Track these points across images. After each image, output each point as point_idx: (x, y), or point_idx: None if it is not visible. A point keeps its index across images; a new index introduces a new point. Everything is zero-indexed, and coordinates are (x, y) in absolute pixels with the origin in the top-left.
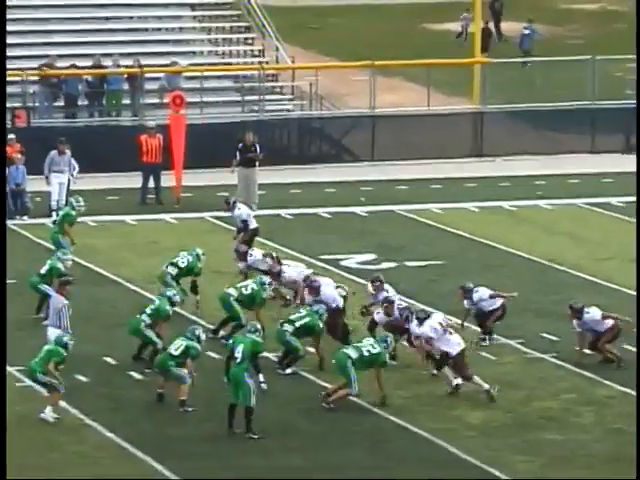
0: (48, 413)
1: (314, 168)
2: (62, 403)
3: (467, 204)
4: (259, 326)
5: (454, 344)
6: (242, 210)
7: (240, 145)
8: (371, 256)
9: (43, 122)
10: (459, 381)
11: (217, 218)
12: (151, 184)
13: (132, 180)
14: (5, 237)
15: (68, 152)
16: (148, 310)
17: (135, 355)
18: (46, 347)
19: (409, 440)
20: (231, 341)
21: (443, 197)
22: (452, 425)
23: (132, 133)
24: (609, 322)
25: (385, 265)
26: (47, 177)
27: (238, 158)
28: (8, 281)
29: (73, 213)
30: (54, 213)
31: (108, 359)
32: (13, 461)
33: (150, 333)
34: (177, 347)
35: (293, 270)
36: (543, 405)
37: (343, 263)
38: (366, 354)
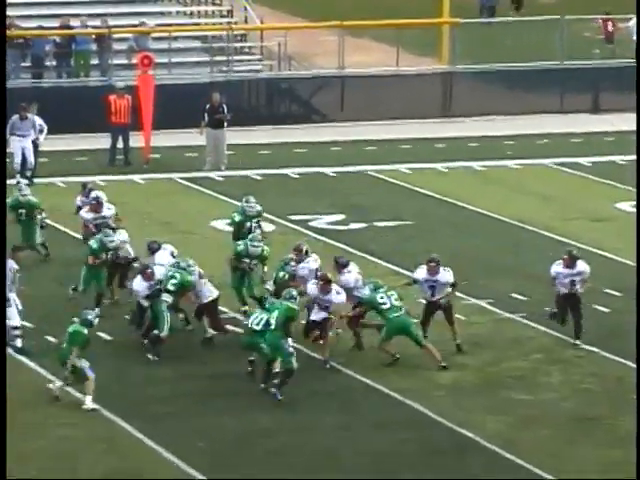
0: (89, 403)
1: (283, 128)
2: (32, 364)
3: (436, 164)
4: (295, 292)
5: None
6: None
7: (207, 106)
8: (340, 216)
9: (11, 83)
10: None
11: (186, 179)
12: (120, 145)
13: (101, 141)
14: (5, 236)
15: (31, 116)
16: (171, 287)
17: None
18: (70, 329)
19: (379, 400)
20: (267, 306)
21: (412, 157)
22: (422, 385)
23: (100, 93)
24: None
25: (354, 226)
26: (7, 140)
27: (206, 119)
28: None
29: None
30: (18, 175)
31: None
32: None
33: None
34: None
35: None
36: (512, 365)
37: (312, 224)
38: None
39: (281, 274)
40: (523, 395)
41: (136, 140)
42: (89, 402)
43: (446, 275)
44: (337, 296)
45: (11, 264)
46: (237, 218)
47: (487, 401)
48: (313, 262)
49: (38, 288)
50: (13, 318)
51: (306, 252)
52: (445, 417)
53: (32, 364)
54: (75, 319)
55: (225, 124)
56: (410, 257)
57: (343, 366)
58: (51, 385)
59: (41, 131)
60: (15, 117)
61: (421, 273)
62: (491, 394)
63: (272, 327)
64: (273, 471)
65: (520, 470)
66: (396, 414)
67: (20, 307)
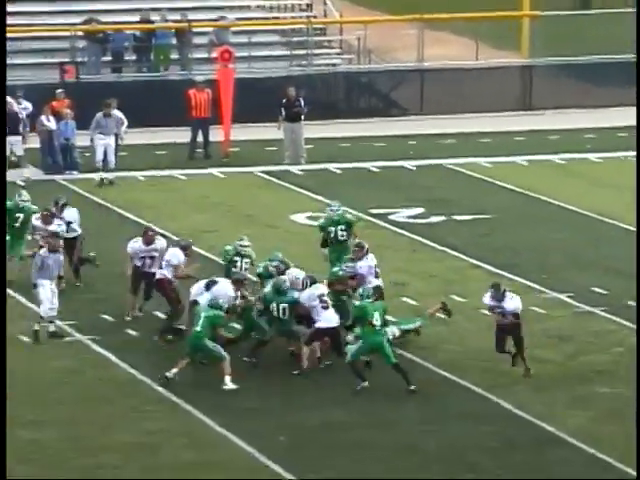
0: (229, 383)
1: (363, 122)
2: (113, 358)
3: (516, 157)
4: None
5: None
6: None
7: (284, 100)
8: (419, 210)
9: (92, 77)
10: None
11: (265, 173)
12: (200, 139)
13: (180, 135)
14: (5, 235)
15: (115, 112)
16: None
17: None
18: (204, 313)
19: (460, 394)
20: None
21: (492, 151)
22: (502, 379)
23: (181, 87)
24: None
25: (433, 219)
26: (92, 139)
27: (283, 114)
28: None
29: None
30: (101, 173)
31: (158, 313)
32: (64, 415)
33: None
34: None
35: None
36: (593, 359)
37: (392, 217)
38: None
39: (340, 272)
40: (604, 389)
41: (216, 134)
42: (228, 382)
43: (512, 303)
44: None
45: (57, 256)
46: (320, 222)
47: (568, 395)
48: (371, 259)
49: (116, 285)
50: (43, 307)
51: (367, 250)
52: (526, 411)
53: (114, 358)
54: (200, 304)
55: (302, 118)
56: (490, 251)
57: (423, 360)
58: (225, 386)
59: (121, 125)
60: (99, 115)
61: (486, 299)
62: (572, 388)
63: (378, 328)
64: (353, 465)
65: (601, 464)
66: (476, 408)
67: (54, 300)
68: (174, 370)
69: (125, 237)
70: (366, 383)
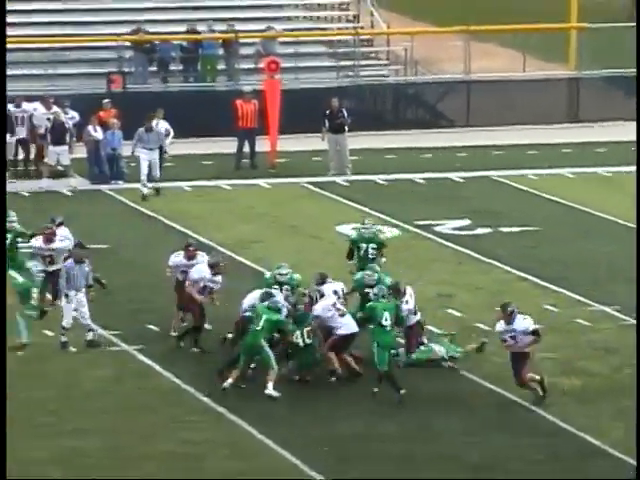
0: (271, 389)
1: (409, 133)
2: (157, 367)
3: (563, 170)
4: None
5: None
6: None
7: (327, 112)
8: (466, 222)
9: (138, 87)
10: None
11: (312, 184)
12: (246, 149)
13: (226, 145)
14: (5, 234)
15: (161, 124)
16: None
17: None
18: (265, 316)
19: (504, 406)
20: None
21: (538, 163)
22: (547, 391)
23: (227, 98)
24: None
25: (480, 231)
26: (133, 152)
27: (327, 125)
28: (101, 245)
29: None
30: (145, 186)
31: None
32: (107, 424)
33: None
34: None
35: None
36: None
37: (437, 229)
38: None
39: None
40: None
41: (262, 144)
42: (271, 388)
43: (523, 323)
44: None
45: (83, 266)
46: (352, 236)
47: (613, 407)
48: (409, 297)
49: (160, 295)
50: (65, 317)
51: (404, 291)
52: (570, 423)
53: (158, 368)
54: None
55: (346, 129)
56: (536, 263)
57: (468, 372)
58: (267, 391)
59: (167, 135)
60: (141, 130)
61: (498, 325)
62: (617, 400)
63: (388, 328)
64: (396, 477)
65: None
66: (521, 420)
67: (83, 310)
68: (229, 381)
69: (170, 247)
70: (403, 391)
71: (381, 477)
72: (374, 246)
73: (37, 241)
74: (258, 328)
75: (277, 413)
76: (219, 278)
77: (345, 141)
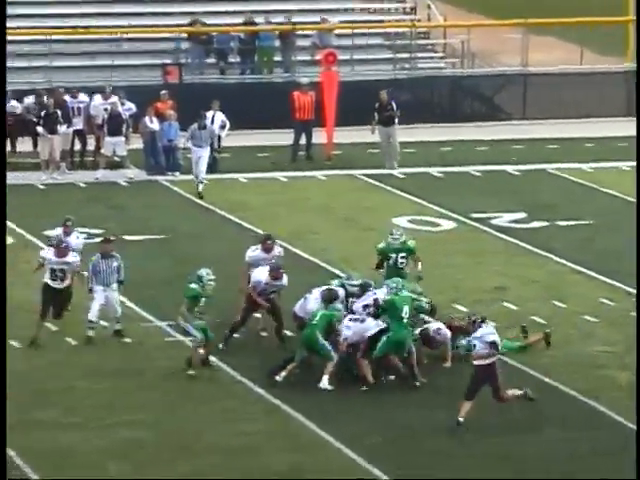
0: (326, 382)
1: (465, 126)
2: (212, 358)
3: (619, 163)
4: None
5: None
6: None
7: (377, 105)
8: (522, 215)
9: (195, 78)
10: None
11: (367, 176)
12: (302, 141)
13: (283, 137)
14: (5, 233)
15: (217, 115)
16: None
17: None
18: (321, 312)
19: (557, 399)
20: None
21: (595, 156)
22: (601, 384)
23: (284, 90)
24: None
25: (536, 224)
26: (185, 147)
27: (377, 117)
28: (157, 236)
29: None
30: (201, 183)
31: (259, 315)
32: (157, 414)
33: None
34: None
35: None
36: None
37: (494, 222)
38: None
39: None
40: None
41: (318, 136)
42: (326, 382)
43: (484, 331)
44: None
45: (110, 261)
46: (380, 246)
47: None
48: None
49: (217, 285)
50: (92, 311)
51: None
52: (625, 417)
53: (215, 359)
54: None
55: (396, 121)
56: (593, 256)
57: (523, 365)
58: (321, 384)
59: (223, 127)
60: (194, 126)
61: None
62: None
63: (405, 321)
64: (450, 472)
65: None
66: (577, 414)
67: (114, 304)
68: (283, 374)
69: (226, 238)
70: (392, 377)
71: (435, 472)
72: (403, 255)
73: (48, 253)
74: (314, 322)
75: (331, 405)
76: (281, 282)
77: (395, 133)
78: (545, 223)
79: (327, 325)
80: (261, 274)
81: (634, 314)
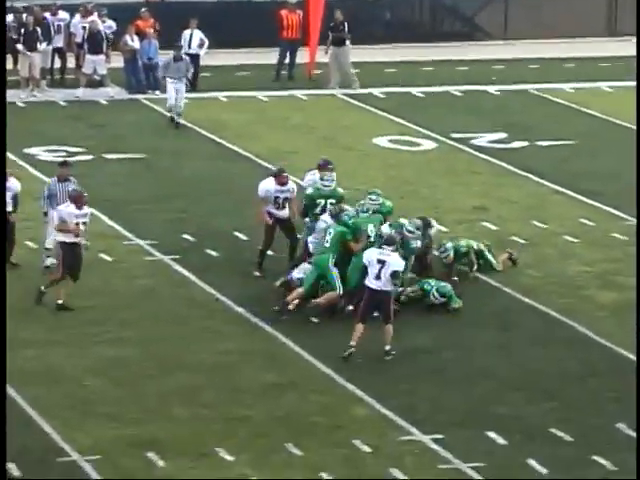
0: (316, 300)
1: (446, 46)
2: (192, 277)
3: (601, 84)
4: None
5: None
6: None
7: (332, 24)
8: (502, 135)
9: None
10: None
11: (349, 95)
12: (286, 60)
13: (265, 56)
14: (5, 233)
15: (195, 33)
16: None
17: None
18: (331, 229)
19: (538, 320)
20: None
21: (576, 76)
22: (583, 305)
23: (266, 8)
24: None
25: (516, 144)
26: (162, 79)
27: (330, 37)
28: (137, 155)
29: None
30: (170, 114)
31: (239, 234)
32: (142, 334)
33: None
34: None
35: None
36: None
37: (474, 142)
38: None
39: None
40: None
41: (300, 56)
42: (316, 300)
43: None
44: None
45: (66, 184)
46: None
47: None
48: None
49: (197, 205)
50: (47, 237)
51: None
52: (605, 337)
53: (194, 278)
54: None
55: (347, 42)
56: (573, 176)
57: (503, 285)
58: (290, 306)
59: (201, 45)
60: (169, 58)
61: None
62: None
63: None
64: (429, 391)
65: None
66: (555, 333)
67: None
68: (294, 301)
69: (205, 156)
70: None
71: (415, 391)
72: (332, 202)
73: (69, 207)
74: (327, 245)
75: (312, 325)
76: (288, 186)
77: (347, 55)
78: (525, 143)
79: (341, 246)
80: (268, 184)
81: (615, 234)
